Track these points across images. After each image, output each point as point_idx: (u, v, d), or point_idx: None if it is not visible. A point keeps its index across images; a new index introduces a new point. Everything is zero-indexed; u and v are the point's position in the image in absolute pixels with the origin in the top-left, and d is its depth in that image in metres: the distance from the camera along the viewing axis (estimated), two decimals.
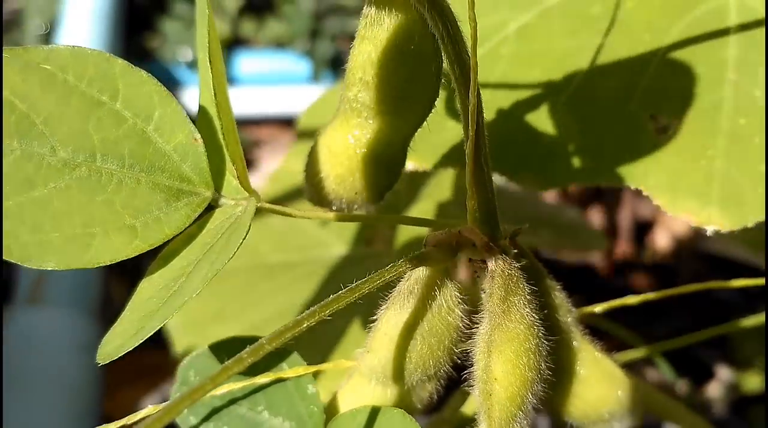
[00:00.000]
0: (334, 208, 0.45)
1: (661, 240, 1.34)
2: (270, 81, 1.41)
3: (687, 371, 0.93)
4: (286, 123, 1.37)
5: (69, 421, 0.94)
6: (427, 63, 0.41)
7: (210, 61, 0.37)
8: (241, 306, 0.71)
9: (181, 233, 0.40)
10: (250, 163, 1.43)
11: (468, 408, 0.49)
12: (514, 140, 0.54)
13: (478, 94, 0.38)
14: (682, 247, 1.33)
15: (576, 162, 0.54)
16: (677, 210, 0.51)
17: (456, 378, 0.46)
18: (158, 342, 0.95)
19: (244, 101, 1.41)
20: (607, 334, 0.56)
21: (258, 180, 1.12)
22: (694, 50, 0.54)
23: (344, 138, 0.43)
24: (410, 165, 0.56)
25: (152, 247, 0.39)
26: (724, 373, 1.16)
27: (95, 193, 0.38)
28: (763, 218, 0.50)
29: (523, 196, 0.84)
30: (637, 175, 0.52)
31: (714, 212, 0.51)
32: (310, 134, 0.67)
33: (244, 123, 1.44)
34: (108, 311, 1.08)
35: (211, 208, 0.41)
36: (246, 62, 1.42)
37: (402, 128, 0.43)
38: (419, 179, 0.77)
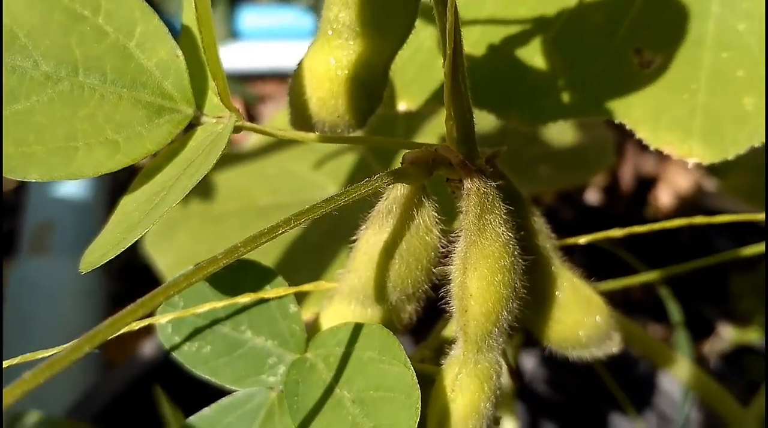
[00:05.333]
0: (317, 132, 0.46)
1: (664, 197, 1.34)
2: (274, 36, 1.41)
3: (688, 327, 0.94)
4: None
5: (71, 365, 0.96)
6: None
7: None
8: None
9: (163, 150, 0.40)
10: (253, 118, 1.43)
11: (449, 331, 0.50)
12: (501, 79, 0.54)
13: (456, 12, 0.38)
14: (684, 204, 1.33)
15: (562, 97, 0.54)
16: (659, 142, 0.52)
17: (439, 308, 0.47)
18: None
19: (248, 56, 1.41)
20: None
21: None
22: None
23: (325, 60, 0.43)
24: (402, 105, 0.57)
25: (134, 162, 0.39)
26: (723, 329, 1.17)
27: (78, 107, 0.39)
28: (743, 151, 0.51)
29: (530, 136, 0.84)
30: (621, 108, 0.53)
31: (695, 145, 0.51)
32: None
33: (249, 78, 1.44)
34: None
35: (193, 125, 0.41)
36: (250, 17, 1.42)
37: (382, 50, 0.44)
38: (415, 121, 0.77)
